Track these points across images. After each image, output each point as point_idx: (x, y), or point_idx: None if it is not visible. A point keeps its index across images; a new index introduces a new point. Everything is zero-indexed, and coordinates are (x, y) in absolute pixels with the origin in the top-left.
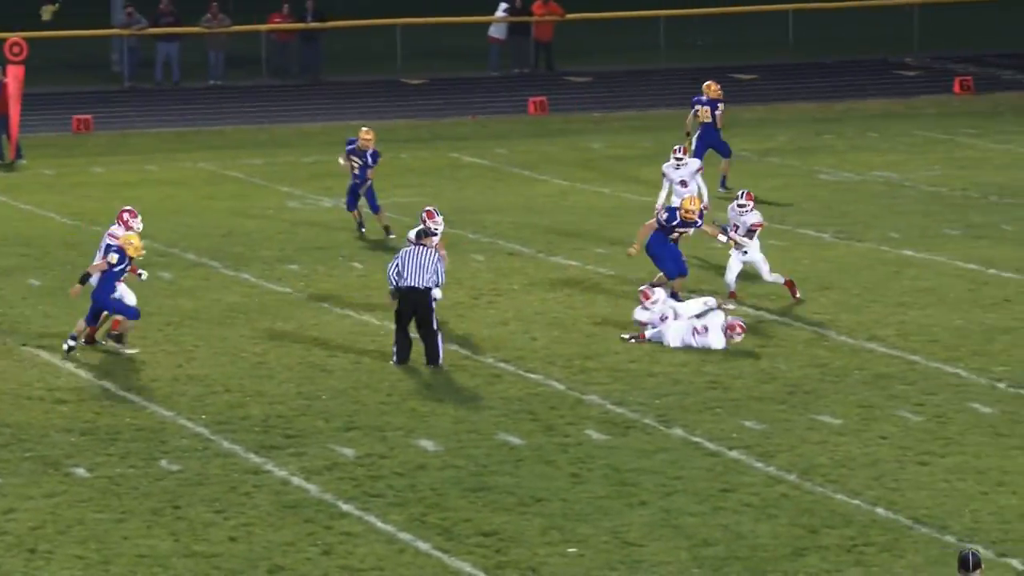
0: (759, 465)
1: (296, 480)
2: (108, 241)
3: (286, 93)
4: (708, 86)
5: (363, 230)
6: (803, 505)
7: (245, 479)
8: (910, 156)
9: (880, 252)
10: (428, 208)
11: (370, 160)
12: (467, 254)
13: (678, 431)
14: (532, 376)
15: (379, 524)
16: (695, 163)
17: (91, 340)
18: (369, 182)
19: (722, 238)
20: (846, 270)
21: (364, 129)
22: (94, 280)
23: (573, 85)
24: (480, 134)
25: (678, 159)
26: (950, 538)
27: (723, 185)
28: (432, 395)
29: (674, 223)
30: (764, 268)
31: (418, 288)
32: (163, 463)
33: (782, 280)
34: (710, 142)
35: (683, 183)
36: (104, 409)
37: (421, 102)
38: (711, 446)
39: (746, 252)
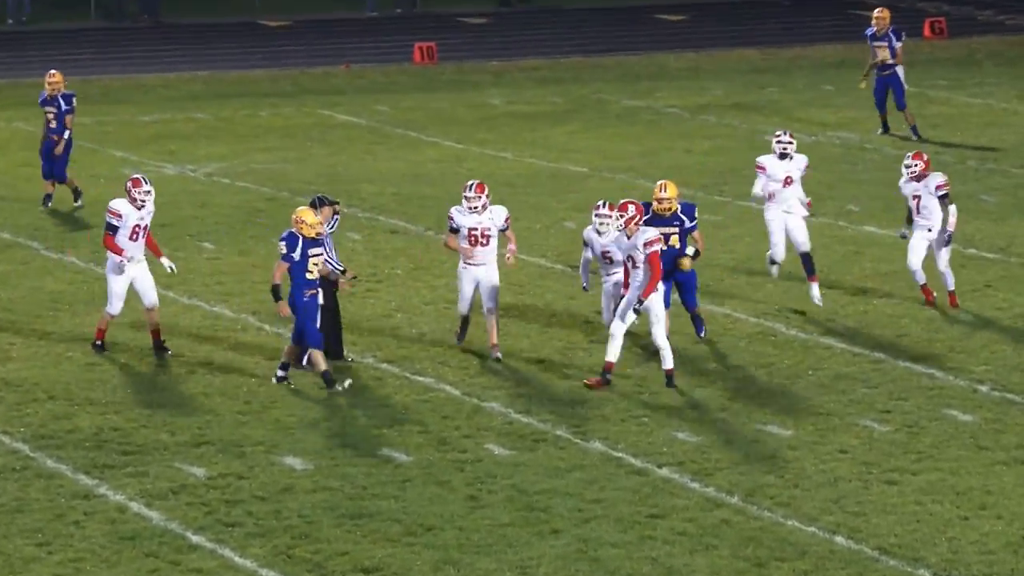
0: (694, 485)
1: (135, 506)
2: (113, 220)
3: (119, 37)
4: (881, 15)
5: (80, 202)
6: (747, 533)
7: (73, 505)
8: (872, 113)
9: (837, 229)
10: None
11: (63, 104)
12: (341, 232)
13: (597, 445)
14: (420, 379)
15: (236, 559)
16: (803, 159)
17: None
18: (68, 133)
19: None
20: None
21: (50, 72)
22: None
23: (467, 27)
24: (355, 87)
25: (784, 146)
26: (924, 572)
27: (916, 133)
28: (299, 403)
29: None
30: (944, 254)
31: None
32: None
33: (950, 283)
34: (891, 85)
35: (787, 181)
36: None
37: (284, 48)
38: (636, 462)
39: (930, 229)
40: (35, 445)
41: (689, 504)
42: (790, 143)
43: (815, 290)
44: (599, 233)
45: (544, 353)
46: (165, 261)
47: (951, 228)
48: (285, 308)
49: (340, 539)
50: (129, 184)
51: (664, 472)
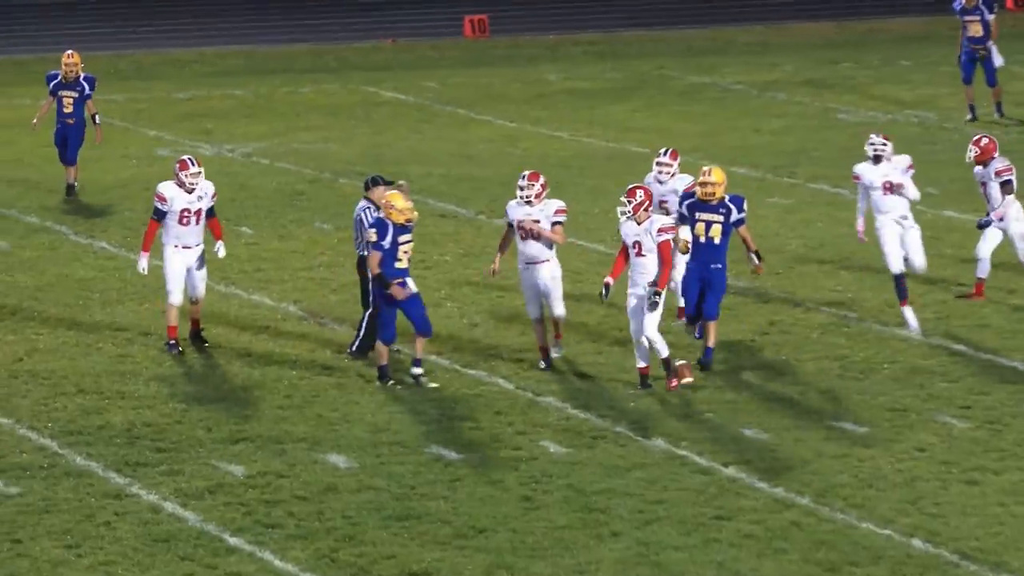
0: (762, 485)
1: (169, 506)
2: (159, 204)
3: (150, 8)
4: None
5: (71, 196)
6: (818, 536)
7: (104, 505)
8: (952, 90)
9: (915, 213)
10: None
11: (87, 88)
12: None
13: (659, 442)
14: (472, 372)
15: (277, 562)
16: (904, 159)
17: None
18: (99, 117)
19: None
20: (871, 236)
21: (67, 53)
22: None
23: None
24: (402, 62)
25: (875, 148)
26: None
27: (999, 111)
28: (343, 397)
29: (689, 203)
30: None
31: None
32: None
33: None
34: (982, 61)
35: (887, 186)
36: None
37: (328, 21)
38: (701, 461)
39: (1001, 219)
40: (64, 441)
41: (757, 505)
42: (883, 145)
43: (910, 315)
44: (660, 182)
45: (603, 345)
46: (220, 245)
47: (995, 216)
48: (399, 289)
49: (386, 542)
50: (176, 167)
51: (730, 471)
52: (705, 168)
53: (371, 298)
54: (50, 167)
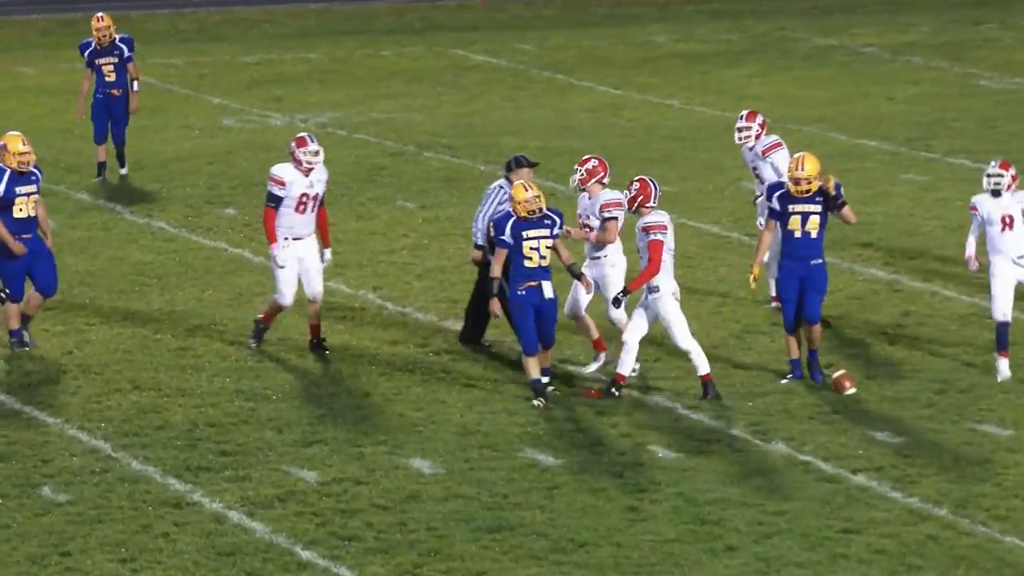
0: (895, 495)
1: (235, 516)
2: (276, 190)
3: None
4: None
5: (101, 177)
6: (958, 552)
7: (162, 515)
8: None
9: None
10: None
11: (126, 50)
12: (478, 192)
13: (779, 446)
14: (571, 367)
15: None
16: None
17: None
18: (138, 84)
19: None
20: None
21: (97, 16)
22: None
23: None
24: (494, 22)
25: (994, 181)
26: None
27: None
28: (429, 395)
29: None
30: None
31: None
32: (46, 491)
33: None
34: None
35: (1006, 222)
36: (21, 424)
37: None
38: (826, 468)
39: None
40: (118, 443)
41: (889, 517)
42: (1000, 175)
43: (1003, 367)
44: (748, 149)
45: (717, 337)
46: (326, 253)
47: None
48: (496, 305)
49: (475, 556)
50: (293, 144)
51: (859, 479)
52: (796, 156)
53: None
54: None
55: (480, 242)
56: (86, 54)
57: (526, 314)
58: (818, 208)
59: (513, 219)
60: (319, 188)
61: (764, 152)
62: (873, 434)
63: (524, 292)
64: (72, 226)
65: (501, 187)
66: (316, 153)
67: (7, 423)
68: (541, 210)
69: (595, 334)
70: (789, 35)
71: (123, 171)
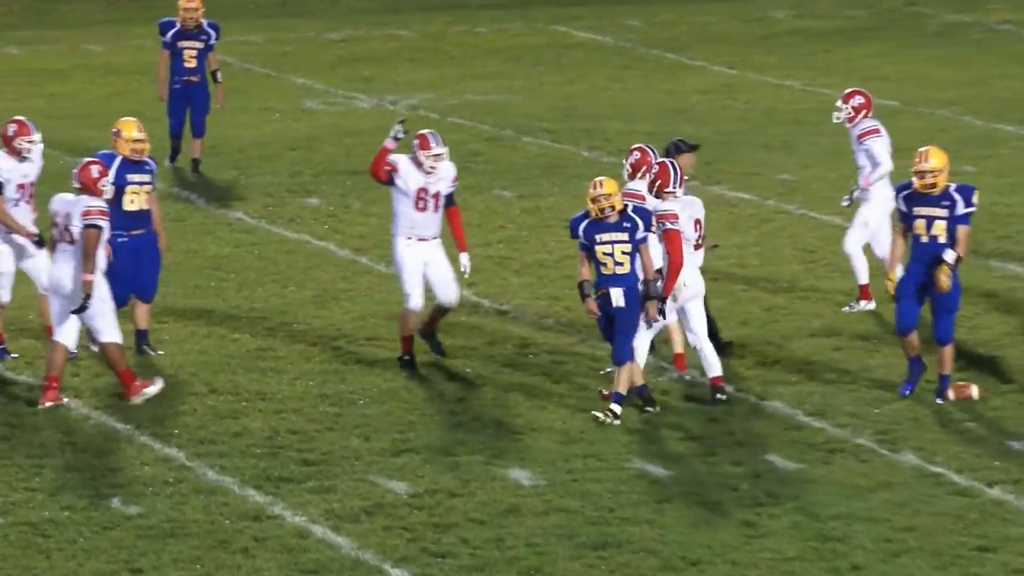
0: None
1: (319, 530)
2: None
3: None
4: None
5: (172, 163)
6: None
7: (241, 528)
8: None
9: None
10: None
11: (212, 36)
12: (581, 181)
13: (909, 457)
14: (678, 372)
15: None
16: None
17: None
18: (219, 73)
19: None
20: None
21: None
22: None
23: None
24: None
25: None
26: None
27: None
28: (529, 401)
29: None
30: None
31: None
32: (115, 502)
33: None
34: None
35: None
36: (22, 420)
37: None
38: (960, 480)
39: None
40: (192, 452)
41: None
42: None
43: None
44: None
45: (842, 338)
46: (464, 259)
47: None
48: (591, 306)
49: (579, 575)
50: (415, 143)
51: (995, 493)
52: (920, 151)
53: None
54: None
55: None
56: (168, 35)
57: (601, 322)
58: (944, 213)
59: (587, 219)
60: (442, 186)
61: (860, 137)
62: (1010, 444)
63: (597, 299)
64: None
65: None
66: (439, 157)
67: (73, 430)
68: (614, 210)
69: (678, 349)
70: (920, 11)
71: (171, 163)
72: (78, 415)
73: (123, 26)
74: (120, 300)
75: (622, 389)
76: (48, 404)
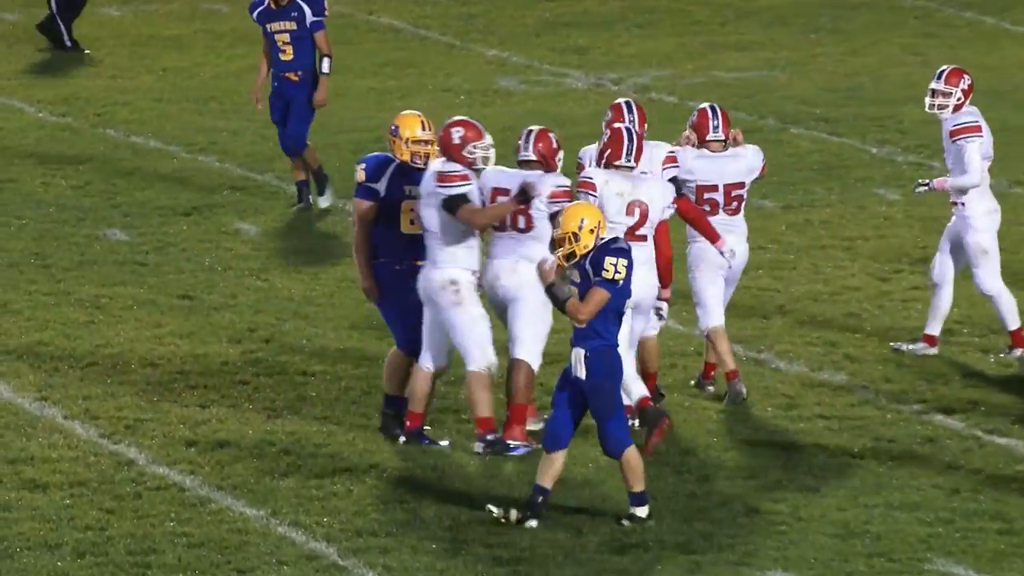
0: None
1: None
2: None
3: None
4: None
5: (304, 203)
6: None
7: None
8: None
9: None
10: None
11: (309, 14)
12: (868, 186)
13: None
14: (1001, 441)
15: None
16: None
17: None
18: (328, 62)
19: None
20: None
21: None
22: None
23: None
24: None
25: None
26: None
27: None
28: (795, 479)
29: None
30: None
31: None
32: None
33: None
34: None
35: None
36: (122, 504)
37: None
38: None
39: None
40: (347, 547)
41: None
42: None
43: None
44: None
45: None
46: (725, 248)
47: None
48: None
49: None
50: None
51: None
52: None
53: None
54: (328, 104)
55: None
56: (255, 14)
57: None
58: None
59: None
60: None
61: (953, 134)
62: None
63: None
64: (283, 232)
65: None
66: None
67: (190, 515)
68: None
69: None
70: None
71: (324, 201)
72: (195, 495)
73: None
74: (409, 346)
75: (636, 486)
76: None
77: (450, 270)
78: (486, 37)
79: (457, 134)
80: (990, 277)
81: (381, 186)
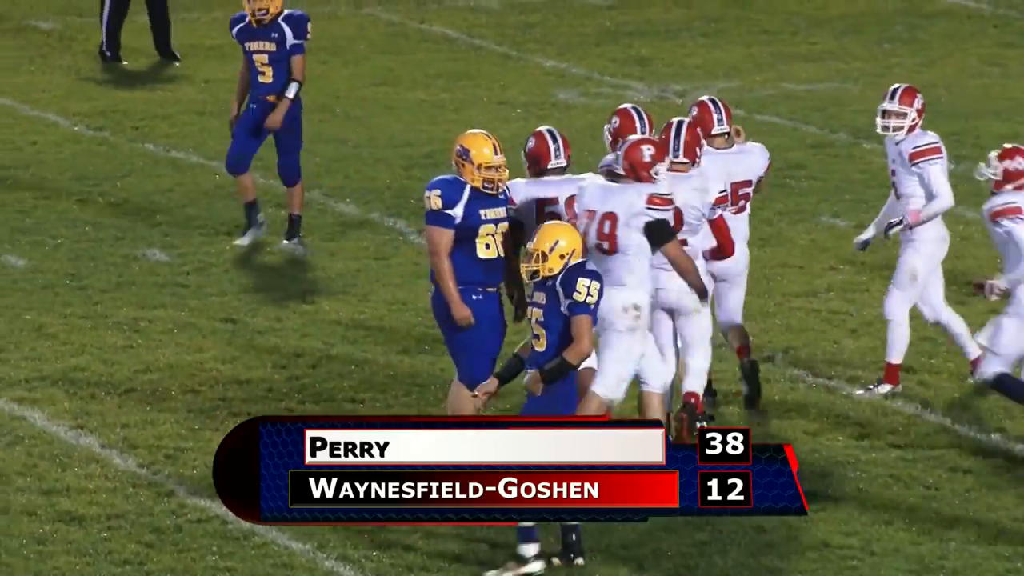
0: None
1: None
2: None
3: None
4: None
5: (295, 241)
6: None
7: None
8: None
9: None
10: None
11: (290, 36)
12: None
13: None
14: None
15: None
16: None
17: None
18: (296, 87)
19: None
20: None
21: None
22: None
23: None
24: None
25: None
26: None
27: None
28: (867, 511)
29: None
30: None
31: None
32: None
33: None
34: None
35: None
36: (162, 538)
37: None
38: None
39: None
40: None
41: None
42: None
43: None
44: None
45: None
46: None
47: None
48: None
49: None
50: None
51: None
52: None
53: None
54: (379, 119)
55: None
56: (235, 31)
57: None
58: None
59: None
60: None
61: (913, 157)
62: None
63: None
64: (331, 252)
65: None
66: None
67: (233, 549)
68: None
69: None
70: None
71: (296, 244)
72: (238, 530)
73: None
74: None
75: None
76: None
77: (636, 293)
78: (544, 47)
79: (648, 152)
80: (900, 304)
81: (458, 212)
